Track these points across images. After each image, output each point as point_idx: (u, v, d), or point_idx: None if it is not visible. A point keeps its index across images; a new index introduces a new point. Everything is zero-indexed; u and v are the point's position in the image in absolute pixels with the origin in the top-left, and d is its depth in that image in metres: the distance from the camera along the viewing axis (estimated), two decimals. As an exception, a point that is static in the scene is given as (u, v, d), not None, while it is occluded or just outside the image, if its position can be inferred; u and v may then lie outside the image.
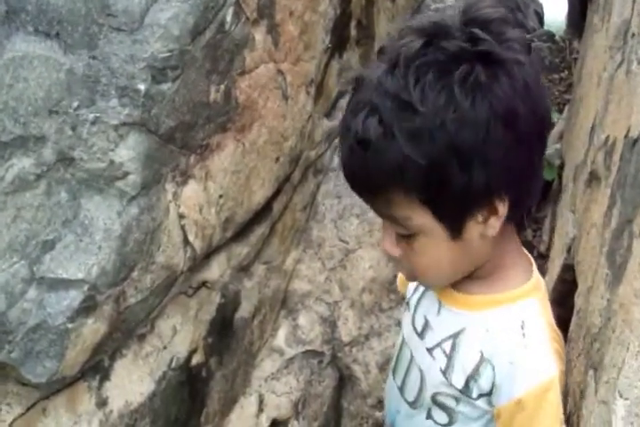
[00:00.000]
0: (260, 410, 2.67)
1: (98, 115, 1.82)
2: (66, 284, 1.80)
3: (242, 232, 2.42)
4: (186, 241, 2.09)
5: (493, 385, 1.54)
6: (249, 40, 2.22)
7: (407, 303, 1.78)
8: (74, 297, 1.80)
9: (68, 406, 1.92)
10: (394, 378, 1.77)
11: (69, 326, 1.80)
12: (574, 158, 3.02)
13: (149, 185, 1.93)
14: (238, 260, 2.44)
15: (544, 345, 1.54)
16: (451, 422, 1.64)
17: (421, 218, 1.41)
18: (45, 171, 1.79)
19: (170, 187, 2.01)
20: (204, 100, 2.06)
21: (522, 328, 1.53)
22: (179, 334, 2.21)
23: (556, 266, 2.92)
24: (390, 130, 1.32)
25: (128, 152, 1.86)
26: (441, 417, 1.66)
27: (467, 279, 1.59)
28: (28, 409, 1.86)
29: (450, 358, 1.61)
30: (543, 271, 3.40)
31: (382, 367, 2.79)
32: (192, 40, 1.97)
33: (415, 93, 1.30)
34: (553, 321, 1.61)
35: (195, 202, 2.10)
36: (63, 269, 1.80)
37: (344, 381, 2.82)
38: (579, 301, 2.39)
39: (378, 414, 2.83)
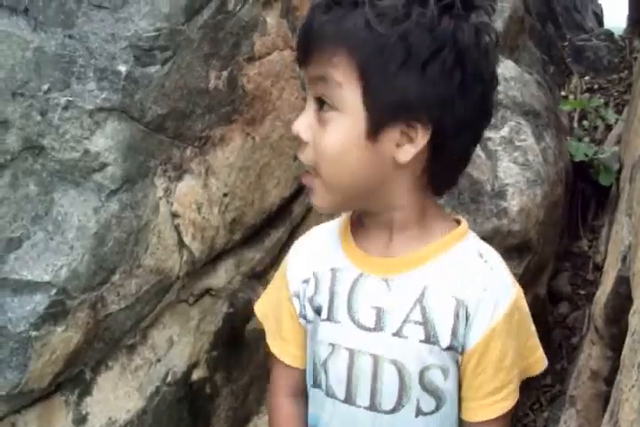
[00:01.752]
0: (275, 430, 2.45)
1: (71, 99, 1.63)
2: (31, 287, 1.61)
3: (254, 236, 2.21)
4: (181, 243, 1.89)
5: (467, 322, 1.50)
6: (259, 23, 2.02)
7: (325, 317, 1.58)
8: (39, 302, 1.62)
9: (40, 422, 1.73)
10: (354, 403, 1.58)
11: (33, 333, 1.61)
12: (632, 157, 2.77)
13: (133, 179, 1.74)
14: (250, 266, 2.22)
15: (503, 265, 1.55)
16: (438, 405, 1.55)
17: (350, 93, 1.38)
18: (10, 160, 1.61)
19: (160, 182, 1.82)
20: (203, 87, 1.87)
21: (481, 256, 1.52)
22: (176, 346, 2.00)
23: (610, 278, 2.67)
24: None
25: (105, 141, 1.67)
26: (429, 404, 1.55)
27: (399, 240, 1.52)
28: (-4, 424, 1.68)
29: (425, 322, 1.51)
30: (597, 285, 3.14)
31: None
32: (187, 19, 1.78)
33: None
34: None
35: (192, 200, 1.90)
36: (28, 271, 1.62)
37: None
38: (634, 320, 2.17)
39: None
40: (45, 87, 1.62)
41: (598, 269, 3.61)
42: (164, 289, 1.88)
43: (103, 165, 1.68)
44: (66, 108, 1.63)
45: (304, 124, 1.43)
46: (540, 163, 3.05)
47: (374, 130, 1.40)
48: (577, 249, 4.03)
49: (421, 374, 1.54)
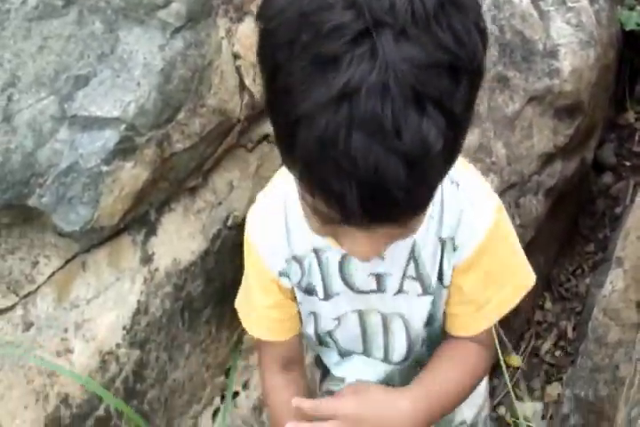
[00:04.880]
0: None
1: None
2: (100, 123, 1.63)
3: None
4: (242, 85, 1.89)
5: (455, 252, 1.45)
6: None
7: (322, 297, 1.56)
8: (109, 137, 1.63)
9: (109, 260, 1.78)
10: (371, 355, 1.63)
11: (104, 168, 1.63)
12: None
13: (197, 17, 1.73)
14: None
15: (476, 182, 1.47)
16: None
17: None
18: (75, -4, 1.60)
19: (222, 22, 1.81)
20: None
21: (452, 181, 1.41)
22: (236, 191, 2.02)
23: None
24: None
25: (167, -25, 1.66)
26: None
27: None
28: (67, 262, 1.72)
29: (419, 277, 1.49)
30: None
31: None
32: None
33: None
34: None
35: (252, 42, 1.88)
36: (97, 107, 1.63)
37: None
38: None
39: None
40: None
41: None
42: (226, 131, 1.90)
43: (167, 2, 1.67)
44: (130, -59, 1.61)
45: (377, 250, 1.26)
46: (593, 24, 2.99)
47: None
48: (623, 121, 3.98)
49: (425, 324, 1.57)
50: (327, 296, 1.56)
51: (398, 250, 1.44)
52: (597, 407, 2.67)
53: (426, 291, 1.51)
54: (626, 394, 1.94)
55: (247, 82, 1.89)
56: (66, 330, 1.71)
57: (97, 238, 1.73)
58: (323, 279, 1.54)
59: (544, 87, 2.79)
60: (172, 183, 1.83)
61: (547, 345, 3.13)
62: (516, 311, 2.92)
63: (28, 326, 1.67)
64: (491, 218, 1.43)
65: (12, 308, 1.66)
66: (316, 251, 1.51)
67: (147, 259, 1.83)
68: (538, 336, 3.16)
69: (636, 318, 2.67)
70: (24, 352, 1.66)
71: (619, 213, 3.54)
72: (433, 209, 1.41)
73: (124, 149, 1.65)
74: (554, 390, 3.00)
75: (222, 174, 1.99)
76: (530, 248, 2.87)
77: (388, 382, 1.66)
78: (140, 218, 1.80)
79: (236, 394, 2.16)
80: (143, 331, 1.83)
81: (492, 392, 2.94)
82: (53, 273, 1.70)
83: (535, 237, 2.90)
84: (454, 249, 1.46)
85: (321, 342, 1.67)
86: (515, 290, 1.53)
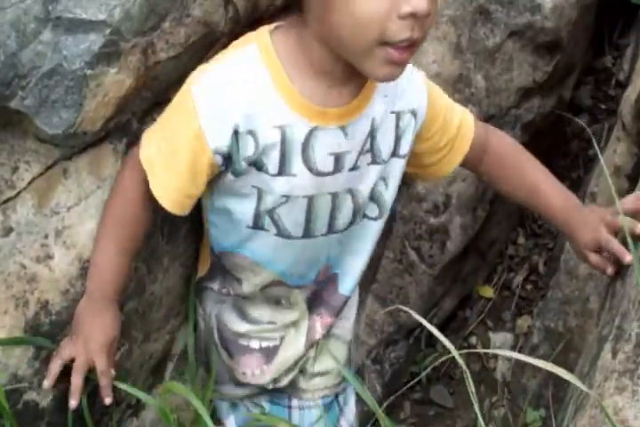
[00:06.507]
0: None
1: None
2: (85, 26, 1.61)
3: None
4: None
5: (416, 119, 1.72)
6: None
7: (275, 173, 1.64)
8: (94, 40, 1.61)
9: (90, 168, 1.77)
10: (312, 236, 1.72)
11: (88, 72, 1.62)
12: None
13: None
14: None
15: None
16: (380, 213, 1.77)
17: None
18: None
19: None
20: None
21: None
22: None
23: (636, 88, 2.65)
24: None
25: None
26: (373, 211, 1.76)
27: (352, 84, 1.62)
28: (48, 169, 1.71)
29: (372, 148, 1.67)
30: (619, 100, 3.09)
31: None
32: None
33: None
34: None
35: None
36: (82, 10, 1.61)
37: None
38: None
39: (433, 220, 2.66)
40: None
41: (621, 86, 3.59)
42: (210, 44, 1.87)
43: None
44: None
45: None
46: (574, -36, 2.98)
47: None
48: (600, 65, 3.99)
49: (372, 190, 1.71)
50: (281, 172, 1.62)
51: (360, 128, 1.62)
52: (566, 338, 2.71)
53: (375, 160, 1.67)
54: (597, 316, 1.98)
55: (232, -4, 1.88)
56: (46, 236, 1.72)
57: (78, 145, 1.72)
58: (282, 155, 1.61)
59: (525, 22, 2.81)
60: (156, 93, 1.82)
61: (518, 279, 3.17)
62: (490, 243, 2.98)
63: (7, 231, 1.67)
64: (423, 76, 1.79)
65: (-9, 213, 1.65)
66: (280, 128, 1.59)
67: (127, 167, 1.82)
68: (510, 270, 3.20)
69: (607, 252, 2.70)
70: (3, 257, 1.66)
71: (592, 155, 3.57)
72: (386, 89, 1.64)
73: (109, 54, 1.63)
74: (524, 322, 3.05)
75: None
76: (505, 183, 2.89)
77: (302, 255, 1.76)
78: (122, 126, 1.80)
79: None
80: (123, 240, 1.83)
81: (464, 322, 2.99)
82: (34, 179, 1.69)
83: (511, 172, 2.91)
84: (414, 114, 1.70)
85: (256, 223, 1.70)
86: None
